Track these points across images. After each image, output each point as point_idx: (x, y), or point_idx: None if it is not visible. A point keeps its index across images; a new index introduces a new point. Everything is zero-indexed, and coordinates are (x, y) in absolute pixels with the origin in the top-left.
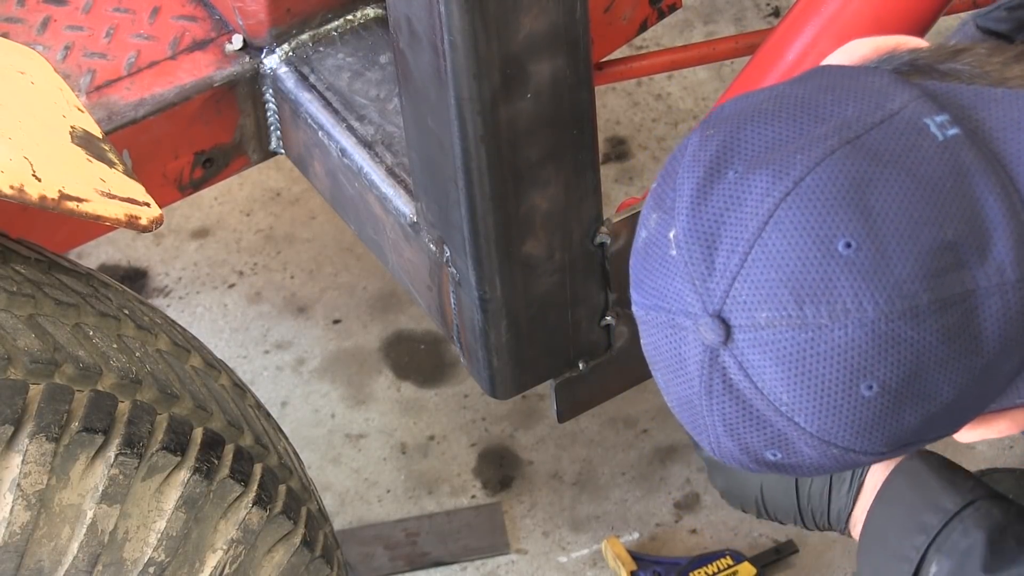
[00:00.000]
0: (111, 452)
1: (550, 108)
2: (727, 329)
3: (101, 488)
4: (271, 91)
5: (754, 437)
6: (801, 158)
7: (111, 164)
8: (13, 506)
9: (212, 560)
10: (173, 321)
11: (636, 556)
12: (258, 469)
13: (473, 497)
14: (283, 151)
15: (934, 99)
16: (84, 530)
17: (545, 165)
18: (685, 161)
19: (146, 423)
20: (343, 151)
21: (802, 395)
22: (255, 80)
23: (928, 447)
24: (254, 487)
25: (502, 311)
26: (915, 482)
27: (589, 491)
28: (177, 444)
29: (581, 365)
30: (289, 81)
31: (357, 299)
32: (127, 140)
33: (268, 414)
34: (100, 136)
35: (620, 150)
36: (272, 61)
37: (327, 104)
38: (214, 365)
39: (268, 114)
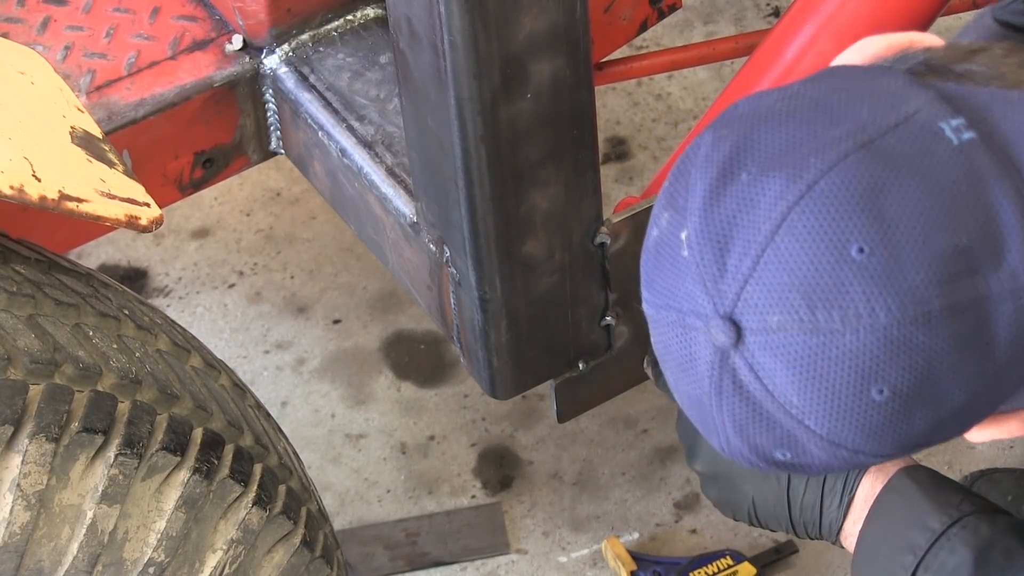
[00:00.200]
0: (111, 452)
1: (550, 108)
2: (738, 331)
3: (101, 488)
4: (271, 91)
5: (764, 438)
6: (815, 161)
7: (111, 164)
8: (13, 506)
9: (212, 560)
10: (173, 321)
11: (636, 556)
12: (258, 469)
13: (473, 497)
14: (283, 151)
15: (949, 102)
16: (84, 530)
17: (545, 165)
18: (698, 161)
19: (146, 423)
20: (343, 151)
21: (812, 399)
22: (255, 80)
23: (926, 450)
24: (254, 487)
25: (502, 311)
26: (903, 501)
27: (589, 491)
28: (177, 444)
29: (581, 365)
30: (289, 81)
31: (357, 299)
32: (127, 140)
33: (268, 414)
34: (100, 136)
35: (620, 150)
36: (272, 61)
37: (327, 104)
38: (214, 365)
39: (268, 114)
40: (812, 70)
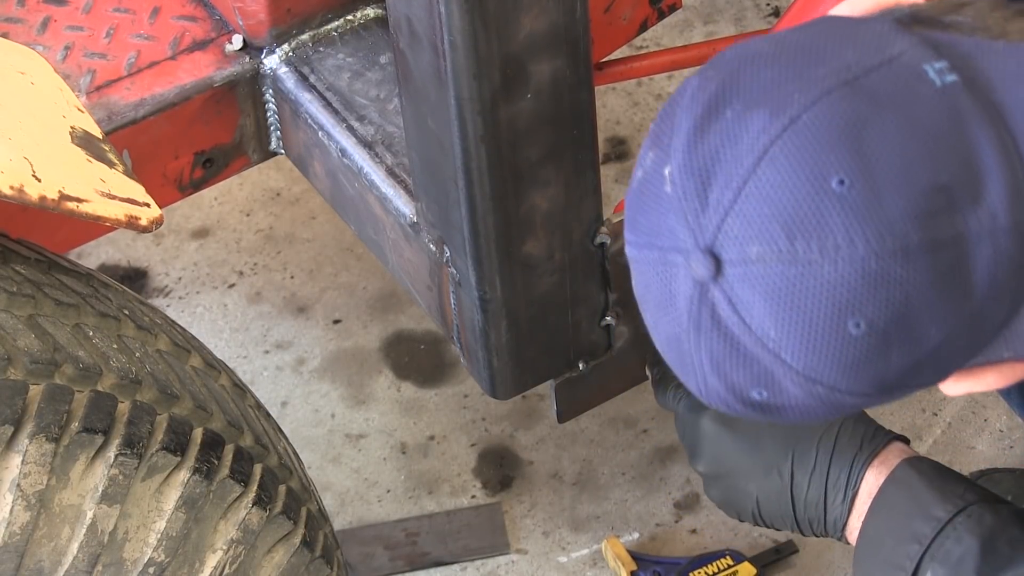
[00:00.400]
0: (111, 452)
1: (550, 108)
2: (718, 264)
3: (101, 488)
4: (271, 91)
5: (740, 375)
6: (798, 97)
7: (111, 164)
8: (13, 506)
9: (212, 560)
10: (173, 321)
11: (636, 556)
12: (258, 469)
13: (473, 497)
14: (283, 151)
15: (934, 47)
16: (84, 530)
17: (545, 165)
18: (684, 101)
19: (146, 423)
20: (343, 151)
21: (790, 331)
22: (255, 80)
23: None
24: (254, 487)
25: (502, 311)
26: (907, 491)
27: (589, 491)
28: (177, 444)
29: (581, 365)
30: (289, 81)
31: (357, 299)
32: (127, 140)
33: (268, 414)
34: (100, 136)
35: (620, 150)
36: (272, 61)
37: (327, 104)
38: (214, 365)
39: (268, 114)
40: None
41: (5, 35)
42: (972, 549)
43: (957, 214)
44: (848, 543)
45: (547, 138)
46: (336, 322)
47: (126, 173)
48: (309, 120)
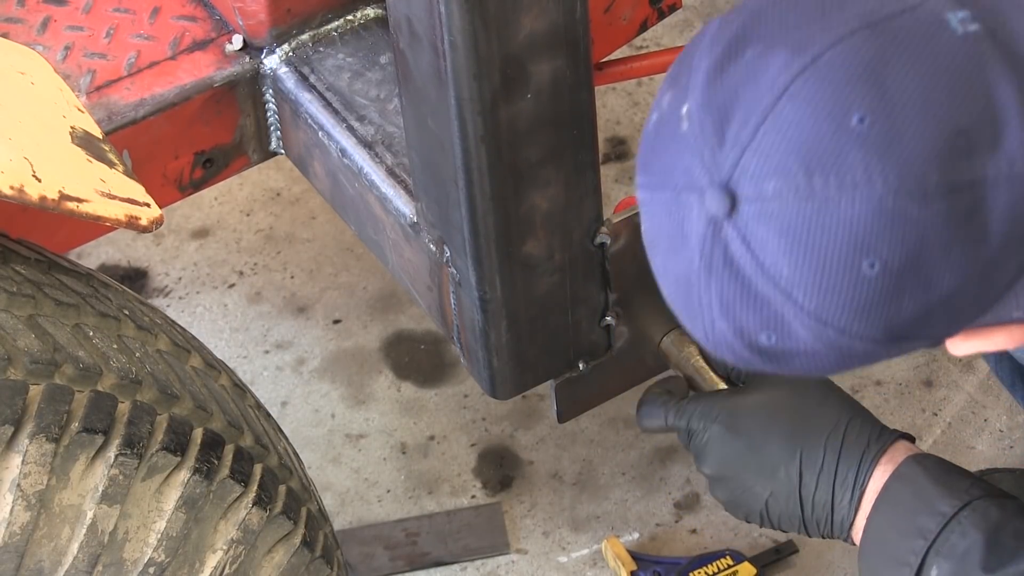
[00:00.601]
0: (111, 452)
1: (550, 108)
2: (733, 200)
3: (101, 488)
4: (271, 91)
5: (750, 317)
6: (821, 37)
7: (111, 164)
8: (13, 506)
9: (212, 560)
10: (173, 321)
11: (636, 556)
12: (258, 469)
13: (473, 497)
14: (283, 151)
15: None
16: (84, 530)
17: (545, 165)
18: (704, 42)
19: (146, 423)
20: (343, 151)
21: (803, 269)
22: (255, 80)
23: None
24: (254, 487)
25: (502, 311)
26: (912, 487)
27: (589, 491)
28: (177, 444)
29: (581, 365)
30: (289, 81)
31: (357, 299)
32: (127, 140)
33: (268, 414)
34: (100, 136)
35: (620, 150)
36: (272, 61)
37: (327, 104)
38: (214, 365)
39: (268, 114)
40: None
41: (5, 35)
42: (977, 543)
43: (975, 158)
44: (854, 543)
45: (547, 138)
46: (336, 322)
47: (126, 173)
48: (309, 120)
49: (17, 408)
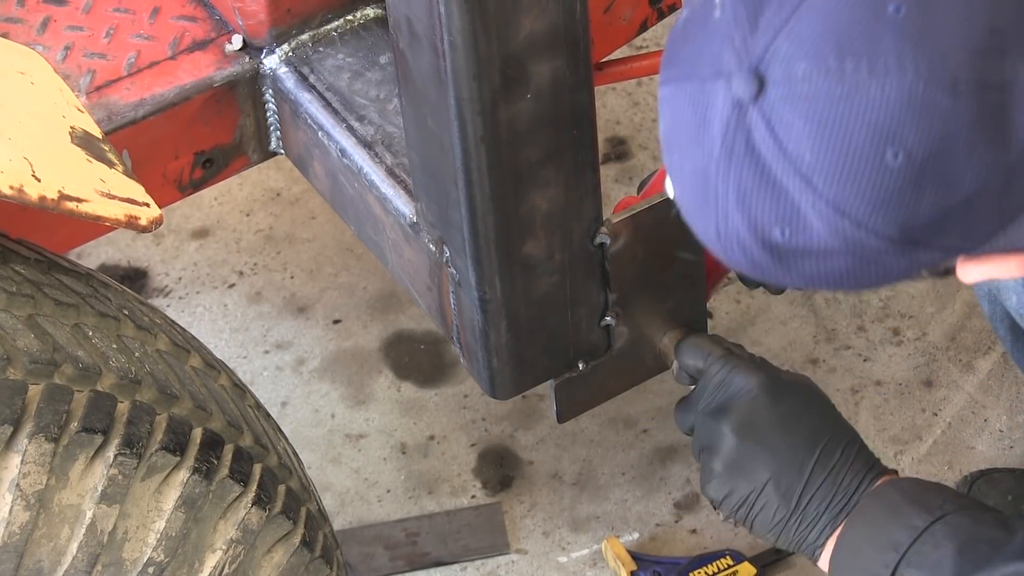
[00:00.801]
0: (110, 452)
1: (550, 108)
2: (761, 83)
3: (100, 488)
4: (271, 91)
5: (766, 209)
6: None
7: (111, 164)
8: (12, 506)
9: (211, 560)
10: (173, 321)
11: (636, 556)
12: (258, 469)
13: (473, 497)
14: (283, 151)
15: None
16: (83, 530)
17: (545, 165)
18: None
19: (145, 423)
20: (343, 151)
21: (826, 154)
22: (255, 80)
23: (925, 452)
24: (253, 487)
25: (502, 311)
26: (885, 503)
27: (589, 491)
28: (176, 444)
29: (581, 365)
30: (289, 81)
31: (357, 299)
32: (127, 140)
33: (268, 414)
34: (100, 136)
35: (620, 150)
36: (272, 61)
37: (327, 104)
38: (214, 365)
39: (268, 114)
40: None
41: (5, 35)
42: (949, 552)
43: (1008, 59)
44: (816, 564)
45: (547, 138)
46: (336, 322)
47: (126, 173)
48: (309, 120)
49: (16, 408)
